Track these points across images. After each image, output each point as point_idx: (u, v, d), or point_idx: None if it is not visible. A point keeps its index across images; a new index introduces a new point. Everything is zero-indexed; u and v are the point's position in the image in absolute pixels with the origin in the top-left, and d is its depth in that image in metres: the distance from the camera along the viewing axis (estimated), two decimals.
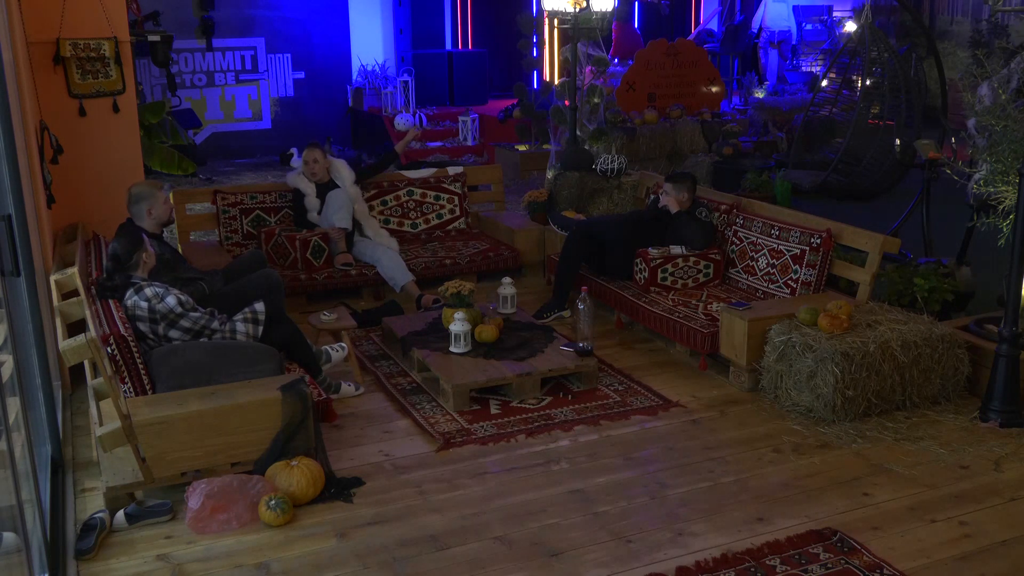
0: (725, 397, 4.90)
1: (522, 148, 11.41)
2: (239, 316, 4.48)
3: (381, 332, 5.77)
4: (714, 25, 15.48)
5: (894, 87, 10.05)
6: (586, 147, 8.48)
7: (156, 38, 8.90)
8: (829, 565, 3.36)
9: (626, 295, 5.77)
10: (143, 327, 4.17)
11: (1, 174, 3.76)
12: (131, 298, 4.18)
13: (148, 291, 4.18)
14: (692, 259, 5.85)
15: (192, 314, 4.25)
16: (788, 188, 8.90)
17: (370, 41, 13.43)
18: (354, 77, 13.39)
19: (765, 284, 5.67)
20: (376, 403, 4.83)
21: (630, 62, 11.23)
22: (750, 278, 5.81)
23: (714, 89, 11.94)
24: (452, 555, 3.45)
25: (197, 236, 7.17)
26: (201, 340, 4.29)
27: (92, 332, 3.68)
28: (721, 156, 10.47)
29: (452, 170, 7.57)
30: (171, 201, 5.20)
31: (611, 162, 7.40)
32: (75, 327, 4.15)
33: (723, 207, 6.10)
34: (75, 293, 4.39)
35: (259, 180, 10.96)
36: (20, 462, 3.00)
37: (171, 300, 4.20)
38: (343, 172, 6.69)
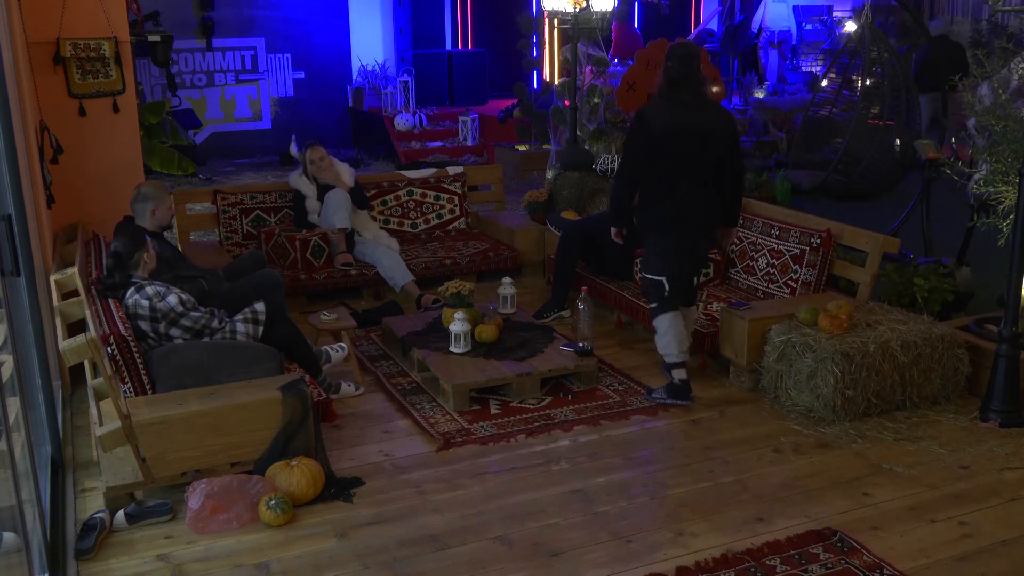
0: (725, 397, 4.90)
1: (522, 148, 11.41)
2: (239, 316, 4.48)
3: (381, 332, 5.77)
4: (714, 25, 15.48)
5: (894, 87, 10.05)
6: (586, 147, 8.48)
7: (156, 38, 8.89)
8: (829, 565, 3.36)
9: (626, 295, 5.77)
10: (144, 325, 4.17)
11: (1, 174, 3.76)
12: (132, 297, 4.18)
13: (149, 290, 4.19)
14: None
15: (193, 313, 4.25)
16: (788, 188, 8.90)
17: (370, 41, 13.44)
18: (354, 77, 13.39)
19: (765, 284, 5.68)
20: (376, 403, 4.83)
21: (630, 62, 11.21)
22: (750, 278, 5.81)
23: (714, 89, 11.93)
24: (452, 555, 3.45)
25: (197, 236, 7.18)
26: (202, 340, 4.29)
27: (92, 332, 3.68)
28: None
29: (452, 170, 7.57)
30: (174, 207, 5.20)
31: (611, 162, 7.41)
32: (75, 327, 4.15)
33: None
34: (75, 293, 4.39)
35: (259, 180, 10.96)
36: (20, 462, 3.00)
37: (172, 299, 4.21)
38: (344, 173, 6.69)
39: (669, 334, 4.71)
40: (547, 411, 4.70)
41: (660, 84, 4.61)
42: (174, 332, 4.23)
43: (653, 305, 4.76)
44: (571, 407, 4.75)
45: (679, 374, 4.73)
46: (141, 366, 3.99)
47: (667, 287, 4.69)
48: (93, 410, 4.05)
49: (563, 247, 6.07)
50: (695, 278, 4.95)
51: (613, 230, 4.96)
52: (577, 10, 8.02)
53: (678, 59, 4.53)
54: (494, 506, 3.80)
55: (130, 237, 4.34)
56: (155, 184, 5.13)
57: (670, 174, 4.58)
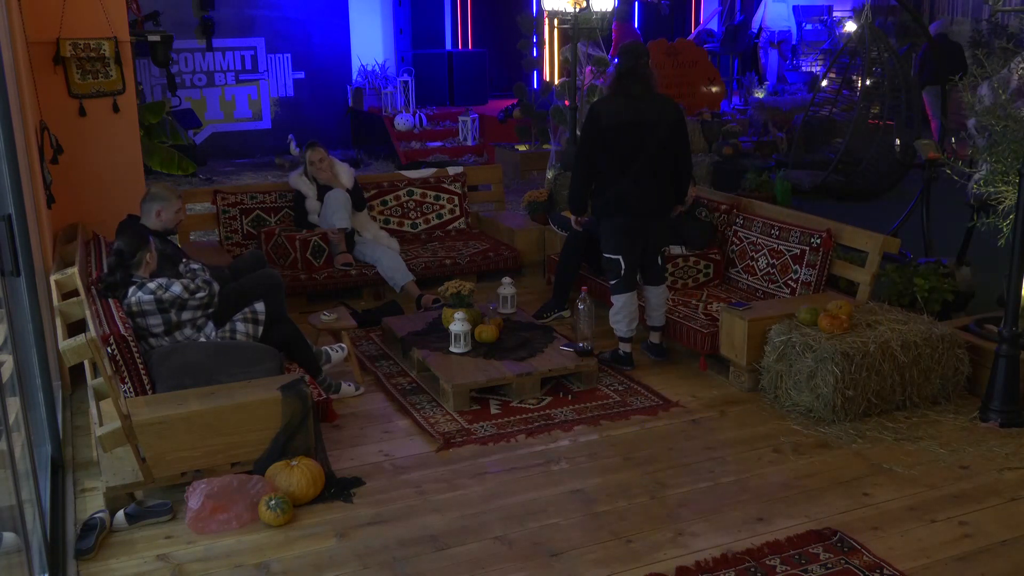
0: (725, 397, 4.90)
1: (522, 148, 11.41)
2: (239, 316, 4.48)
3: (381, 332, 5.78)
4: (714, 25, 15.49)
5: (894, 87, 10.05)
6: None
7: (156, 38, 8.89)
8: (829, 565, 3.36)
9: None
10: (152, 320, 4.18)
11: (1, 174, 3.76)
12: (134, 295, 4.18)
13: (151, 284, 4.20)
14: (692, 259, 5.86)
15: (198, 295, 4.28)
16: (788, 188, 8.90)
17: (370, 41, 13.44)
18: (354, 77, 13.39)
19: (765, 284, 5.68)
20: (376, 403, 4.83)
21: None
22: (750, 278, 5.81)
23: (714, 89, 11.94)
24: (452, 555, 3.45)
25: (197, 236, 7.18)
26: (200, 340, 4.30)
27: (92, 332, 3.68)
28: (721, 156, 10.47)
29: (452, 170, 7.57)
30: (183, 213, 5.16)
31: None
32: (75, 327, 4.15)
33: (723, 207, 6.10)
34: (75, 293, 4.39)
35: (259, 180, 10.97)
36: (20, 462, 3.00)
37: (176, 288, 4.22)
38: (342, 174, 6.69)
39: (622, 313, 5.22)
40: (547, 411, 4.70)
41: (611, 79, 5.16)
42: (186, 316, 4.24)
43: (613, 282, 5.21)
44: (571, 407, 4.75)
45: (624, 347, 5.29)
46: (141, 366, 3.99)
47: (623, 265, 5.12)
48: (93, 410, 4.05)
49: (568, 248, 6.07)
50: (658, 258, 5.26)
51: (573, 218, 5.50)
52: (577, 10, 8.03)
53: (625, 55, 4.99)
54: (494, 506, 3.80)
55: (133, 236, 4.34)
56: (166, 187, 5.12)
57: (620, 162, 4.98)
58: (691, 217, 6.01)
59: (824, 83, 11.35)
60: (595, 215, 5.25)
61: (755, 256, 5.80)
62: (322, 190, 6.58)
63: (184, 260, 4.60)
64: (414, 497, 3.87)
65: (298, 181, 6.66)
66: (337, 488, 3.90)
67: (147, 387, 4.00)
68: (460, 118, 12.38)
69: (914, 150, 7.45)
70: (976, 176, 5.05)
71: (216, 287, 4.41)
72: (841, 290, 5.41)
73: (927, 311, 5.08)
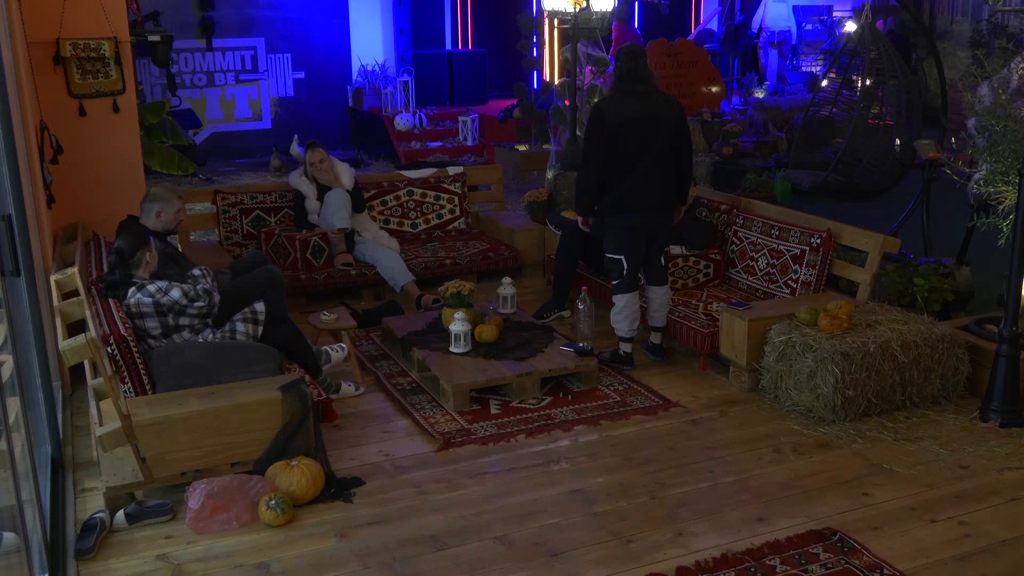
0: (725, 397, 4.90)
1: (522, 148, 11.40)
2: (239, 316, 4.48)
3: (381, 332, 5.77)
4: (714, 25, 15.48)
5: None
6: None
7: (156, 38, 8.89)
8: (829, 565, 3.36)
9: None
10: (150, 323, 4.18)
11: (1, 174, 3.76)
12: (133, 296, 4.18)
13: (151, 287, 4.20)
14: (692, 259, 5.86)
15: (197, 303, 4.27)
16: (788, 188, 8.89)
17: (370, 41, 13.43)
18: (354, 77, 13.39)
19: (765, 284, 5.68)
20: (376, 403, 4.83)
21: None
22: (750, 278, 5.81)
23: (714, 89, 11.94)
24: (452, 555, 3.45)
25: (197, 236, 7.18)
26: (200, 340, 4.30)
27: (92, 332, 3.68)
28: (721, 156, 10.47)
29: (452, 170, 7.57)
30: (183, 214, 5.14)
31: None
32: (75, 327, 4.15)
33: (723, 207, 6.10)
34: (75, 293, 4.39)
35: (259, 180, 10.96)
36: (20, 462, 3.00)
37: (176, 293, 4.22)
38: (343, 175, 6.69)
39: (623, 313, 5.19)
40: (547, 411, 4.70)
41: (612, 80, 5.18)
42: (183, 321, 4.24)
43: (615, 283, 5.18)
44: (571, 407, 4.75)
45: (625, 347, 5.27)
46: (141, 366, 3.99)
47: (626, 265, 5.11)
48: (93, 410, 4.05)
49: (564, 247, 6.07)
50: (661, 257, 5.27)
51: (580, 219, 5.41)
52: (577, 10, 8.03)
53: (624, 55, 5.03)
54: (494, 506, 3.80)
55: (133, 235, 4.34)
56: (167, 187, 5.11)
57: (625, 160, 4.98)
58: (691, 217, 6.01)
59: (824, 83, 11.35)
60: (598, 214, 5.23)
61: (755, 256, 5.80)
62: (322, 190, 6.58)
63: (190, 268, 4.60)
64: (414, 497, 3.87)
65: (298, 181, 6.66)
66: (337, 488, 3.90)
67: (147, 387, 4.00)
68: (460, 118, 12.37)
69: (914, 150, 7.45)
70: (976, 176, 5.05)
71: (216, 298, 4.39)
72: (841, 290, 5.41)
73: (927, 311, 5.08)
